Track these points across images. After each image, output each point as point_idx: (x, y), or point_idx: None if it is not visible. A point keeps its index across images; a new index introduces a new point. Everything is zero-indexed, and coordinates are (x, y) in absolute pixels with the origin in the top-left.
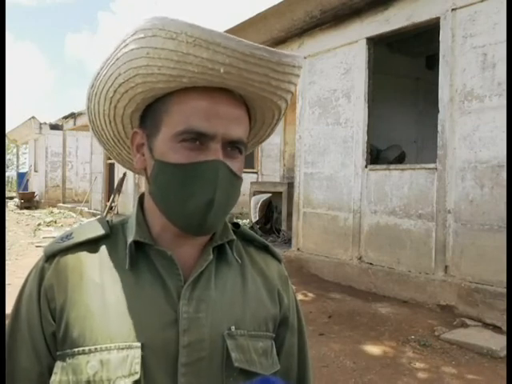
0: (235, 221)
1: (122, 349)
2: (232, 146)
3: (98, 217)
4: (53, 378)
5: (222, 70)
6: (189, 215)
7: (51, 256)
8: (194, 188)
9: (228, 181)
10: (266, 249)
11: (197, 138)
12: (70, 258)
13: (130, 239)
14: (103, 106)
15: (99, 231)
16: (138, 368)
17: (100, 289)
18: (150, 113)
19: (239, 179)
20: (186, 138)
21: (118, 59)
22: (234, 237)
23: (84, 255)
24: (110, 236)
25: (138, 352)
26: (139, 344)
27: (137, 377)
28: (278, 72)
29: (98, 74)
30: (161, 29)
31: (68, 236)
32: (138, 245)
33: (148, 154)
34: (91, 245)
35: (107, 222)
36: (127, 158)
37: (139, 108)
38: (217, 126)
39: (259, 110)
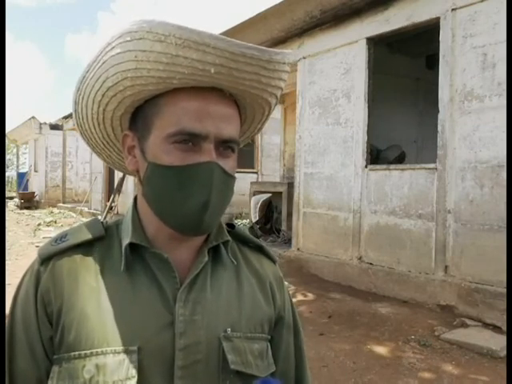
0: (230, 222)
1: (119, 352)
2: (225, 145)
3: (93, 218)
4: (49, 382)
5: (212, 71)
6: (184, 217)
7: (46, 259)
8: (189, 190)
9: (222, 182)
10: (260, 249)
11: (189, 139)
12: (66, 261)
13: (125, 242)
14: (91, 110)
15: (94, 233)
16: (134, 372)
17: (96, 292)
18: (140, 115)
19: (233, 178)
20: (178, 139)
21: (104, 62)
22: (229, 238)
23: (79, 258)
24: (105, 238)
25: (135, 355)
26: (135, 347)
27: (134, 380)
28: (269, 70)
29: (84, 77)
30: (148, 31)
31: (62, 238)
32: (133, 247)
33: (140, 156)
34: (86, 247)
35: (102, 223)
36: (117, 160)
37: (128, 111)
38: (209, 126)
39: (249, 107)
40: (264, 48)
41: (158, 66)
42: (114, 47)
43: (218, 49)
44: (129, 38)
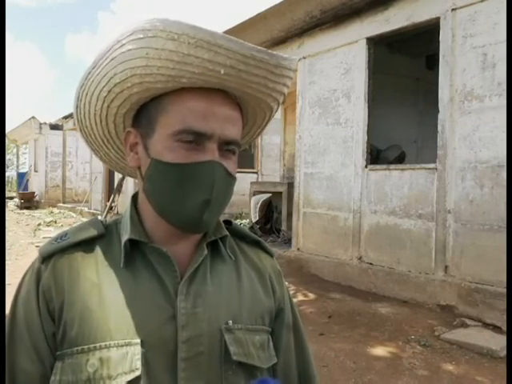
0: (227, 218)
1: (122, 346)
2: (227, 146)
3: (93, 217)
4: (52, 378)
5: (222, 72)
6: (185, 214)
7: (47, 257)
8: (191, 188)
9: (224, 181)
10: (257, 244)
11: (194, 138)
12: (67, 259)
13: (124, 238)
14: (95, 106)
15: (94, 231)
16: (138, 364)
17: (97, 288)
18: (144, 112)
19: (234, 179)
20: (183, 137)
21: (113, 59)
22: (227, 233)
23: (80, 255)
24: (105, 235)
25: (138, 348)
26: (138, 340)
27: (137, 373)
28: (276, 74)
29: (90, 73)
30: (162, 30)
31: (63, 237)
32: (133, 243)
33: (143, 152)
34: (87, 245)
35: (101, 222)
36: (115, 158)
37: (133, 108)
38: (214, 126)
39: (252, 111)
40: (273, 52)
41: (169, 64)
42: (124, 44)
43: (230, 50)
44: (141, 36)
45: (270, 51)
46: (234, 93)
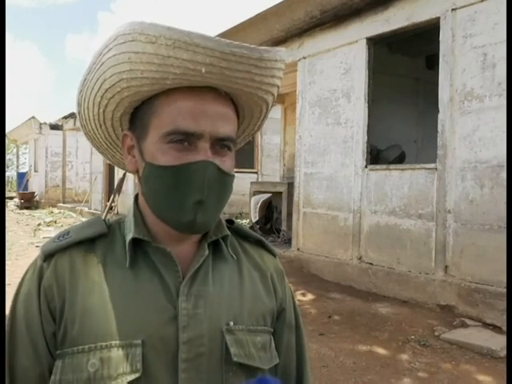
0: (229, 218)
1: (123, 346)
2: (221, 143)
3: (95, 216)
4: (52, 377)
5: (203, 70)
6: (179, 216)
7: (49, 255)
8: (183, 189)
9: (217, 180)
10: (260, 244)
11: (185, 139)
12: (68, 257)
13: (128, 237)
14: (92, 111)
15: (97, 230)
16: (139, 365)
17: (99, 287)
18: (137, 115)
19: (230, 176)
20: (173, 138)
21: (102, 64)
22: (228, 232)
23: (82, 254)
24: (108, 234)
25: (139, 349)
26: (139, 341)
27: (138, 374)
28: (261, 68)
29: (85, 79)
30: (140, 33)
31: (65, 235)
32: (136, 242)
33: (138, 156)
34: (89, 243)
35: (104, 221)
36: (121, 160)
37: (127, 111)
38: (204, 124)
39: (246, 106)
40: (254, 47)
41: (151, 67)
42: (110, 49)
43: (207, 48)
44: (122, 41)
45: (250, 46)
46: (223, 90)
